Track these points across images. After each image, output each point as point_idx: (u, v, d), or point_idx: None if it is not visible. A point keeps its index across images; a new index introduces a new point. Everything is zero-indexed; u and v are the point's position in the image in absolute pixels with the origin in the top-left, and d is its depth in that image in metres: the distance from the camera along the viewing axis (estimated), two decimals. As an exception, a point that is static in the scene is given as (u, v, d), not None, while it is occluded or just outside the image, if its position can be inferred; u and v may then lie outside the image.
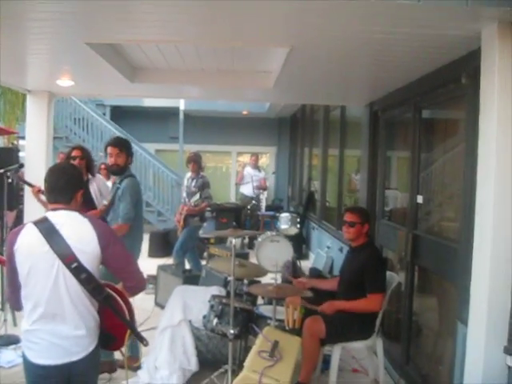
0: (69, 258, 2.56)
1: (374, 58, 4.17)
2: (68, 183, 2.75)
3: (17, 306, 2.73)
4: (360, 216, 4.54)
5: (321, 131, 9.86)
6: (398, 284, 4.76)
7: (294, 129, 14.92)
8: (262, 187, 12.11)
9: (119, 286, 2.86)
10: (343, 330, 4.36)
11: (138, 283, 2.85)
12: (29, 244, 2.60)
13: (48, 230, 2.59)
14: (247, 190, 11.82)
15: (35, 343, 2.62)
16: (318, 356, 4.55)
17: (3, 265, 2.91)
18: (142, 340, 2.82)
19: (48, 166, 6.83)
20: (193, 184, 7.90)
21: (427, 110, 5.04)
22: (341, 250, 7.43)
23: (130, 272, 2.83)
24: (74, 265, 2.56)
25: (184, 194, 8.09)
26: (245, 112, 14.37)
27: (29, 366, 2.65)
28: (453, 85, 4.15)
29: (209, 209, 11.78)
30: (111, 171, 4.92)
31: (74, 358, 2.62)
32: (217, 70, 5.50)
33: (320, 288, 4.93)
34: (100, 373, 4.39)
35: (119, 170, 4.78)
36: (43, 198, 5.51)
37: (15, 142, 11.82)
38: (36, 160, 6.69)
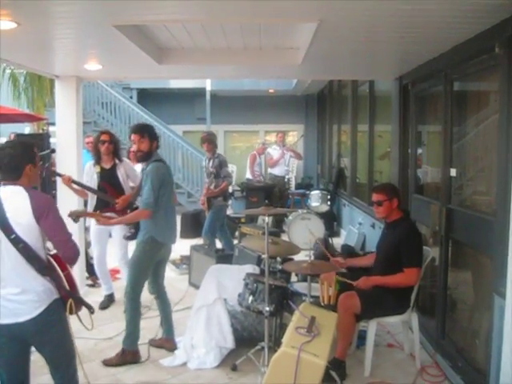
0: (7, 230, 2.82)
1: (404, 30, 4.08)
2: (10, 162, 2.97)
3: None
4: (386, 193, 4.53)
5: (349, 107, 9.74)
6: (431, 259, 4.73)
7: (321, 106, 14.79)
8: (298, 156, 12.08)
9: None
10: (378, 305, 4.37)
11: (65, 253, 3.02)
12: None
13: None
14: (278, 169, 11.54)
15: None
16: (354, 332, 4.59)
17: None
18: (89, 307, 3.11)
19: (79, 150, 6.92)
20: (210, 164, 7.79)
21: (459, 81, 4.93)
22: (373, 226, 7.39)
23: (61, 242, 3.00)
24: (13, 236, 2.82)
25: (205, 175, 8.08)
26: (271, 90, 14.28)
27: None
28: (486, 55, 4.05)
29: (238, 188, 11.82)
30: (137, 158, 4.79)
31: (20, 320, 2.87)
32: (244, 47, 5.46)
33: (357, 266, 4.94)
34: (124, 363, 4.58)
35: (144, 156, 4.65)
36: (75, 186, 5.65)
37: (45, 128, 11.96)
38: (67, 145, 6.76)
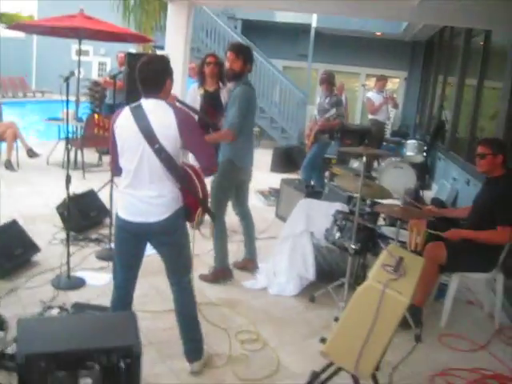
0: (152, 140, 3.01)
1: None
2: (156, 75, 3.12)
3: (116, 172, 3.32)
4: (491, 147, 4.37)
5: (459, 58, 9.32)
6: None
7: (428, 54, 14.21)
8: (395, 104, 11.69)
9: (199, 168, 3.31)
10: (465, 260, 4.33)
11: (209, 165, 3.30)
12: (124, 125, 3.09)
13: (139, 115, 3.05)
14: (381, 115, 10.99)
15: (123, 202, 3.20)
16: (436, 282, 4.58)
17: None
18: (212, 216, 3.46)
19: (184, 74, 7.08)
20: (326, 101, 7.87)
21: None
22: (467, 182, 7.19)
23: (204, 155, 3.26)
24: (156, 146, 3.01)
25: (315, 112, 8.11)
26: (378, 33, 13.84)
27: (117, 220, 3.25)
28: None
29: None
30: (226, 76, 4.80)
31: (149, 220, 3.12)
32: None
33: (449, 216, 4.88)
34: (217, 280, 4.83)
35: (234, 76, 4.61)
36: (179, 105, 5.80)
37: (152, 50, 12.27)
38: (174, 68, 6.87)
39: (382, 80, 11.17)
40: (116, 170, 3.28)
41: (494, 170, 4.39)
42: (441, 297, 4.74)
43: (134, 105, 3.13)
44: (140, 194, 3.10)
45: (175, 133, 3.03)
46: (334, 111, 7.70)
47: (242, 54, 4.61)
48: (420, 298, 4.29)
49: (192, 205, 3.23)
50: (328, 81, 7.90)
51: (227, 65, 4.65)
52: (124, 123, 3.08)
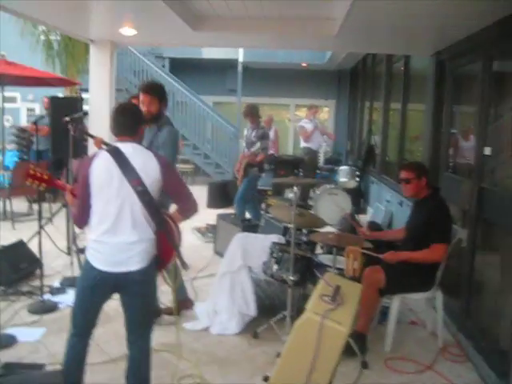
0: (135, 182, 2.91)
1: (444, 2, 3.98)
2: (132, 120, 3.09)
3: (83, 224, 3.11)
4: (414, 171, 4.48)
5: (383, 84, 9.62)
6: (458, 240, 4.66)
7: (354, 81, 14.63)
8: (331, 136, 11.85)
9: (172, 213, 3.27)
10: (403, 281, 4.36)
11: (191, 206, 3.21)
12: (103, 167, 2.94)
13: (119, 157, 2.93)
14: (313, 144, 11.14)
15: (99, 252, 2.97)
16: (377, 306, 4.58)
17: (72, 193, 3.25)
18: (184, 264, 3.20)
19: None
20: (253, 134, 7.94)
21: (500, 60, 4.79)
22: (401, 204, 7.34)
23: (185, 196, 3.19)
24: (140, 188, 2.91)
25: (244, 145, 8.14)
26: (304, 64, 14.14)
27: (90, 271, 3.00)
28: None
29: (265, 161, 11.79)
30: (146, 119, 4.63)
31: (130, 268, 2.96)
32: (279, 16, 5.40)
33: (383, 239, 4.92)
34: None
35: (153, 118, 4.38)
36: (104, 147, 5.67)
37: (78, 93, 12.07)
38: (100, 110, 6.83)
39: (313, 108, 11.46)
40: (83, 221, 3.07)
41: (420, 192, 4.49)
42: (384, 320, 4.75)
43: (109, 148, 3.04)
44: (119, 241, 2.94)
45: (158, 176, 2.99)
46: (258, 145, 7.75)
47: (157, 93, 4.44)
48: (363, 323, 4.28)
49: (166, 251, 3.12)
50: (251, 113, 7.95)
51: (143, 108, 4.32)
52: (103, 166, 2.94)
